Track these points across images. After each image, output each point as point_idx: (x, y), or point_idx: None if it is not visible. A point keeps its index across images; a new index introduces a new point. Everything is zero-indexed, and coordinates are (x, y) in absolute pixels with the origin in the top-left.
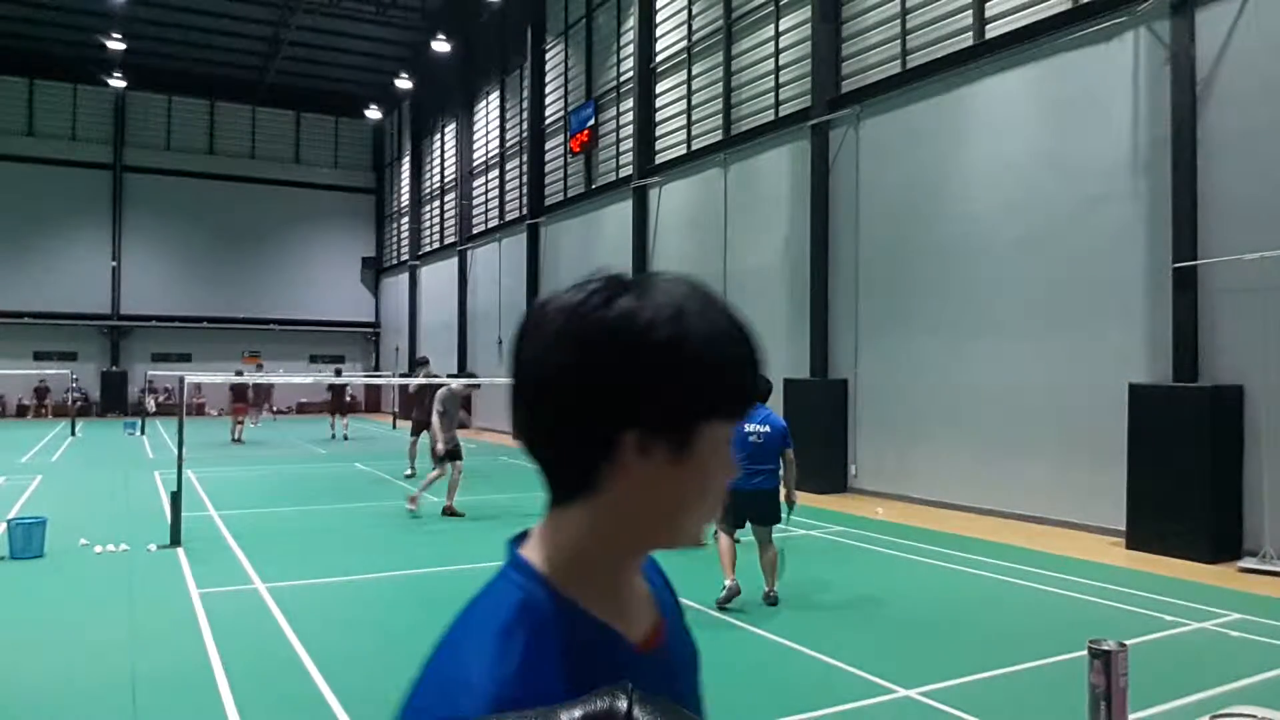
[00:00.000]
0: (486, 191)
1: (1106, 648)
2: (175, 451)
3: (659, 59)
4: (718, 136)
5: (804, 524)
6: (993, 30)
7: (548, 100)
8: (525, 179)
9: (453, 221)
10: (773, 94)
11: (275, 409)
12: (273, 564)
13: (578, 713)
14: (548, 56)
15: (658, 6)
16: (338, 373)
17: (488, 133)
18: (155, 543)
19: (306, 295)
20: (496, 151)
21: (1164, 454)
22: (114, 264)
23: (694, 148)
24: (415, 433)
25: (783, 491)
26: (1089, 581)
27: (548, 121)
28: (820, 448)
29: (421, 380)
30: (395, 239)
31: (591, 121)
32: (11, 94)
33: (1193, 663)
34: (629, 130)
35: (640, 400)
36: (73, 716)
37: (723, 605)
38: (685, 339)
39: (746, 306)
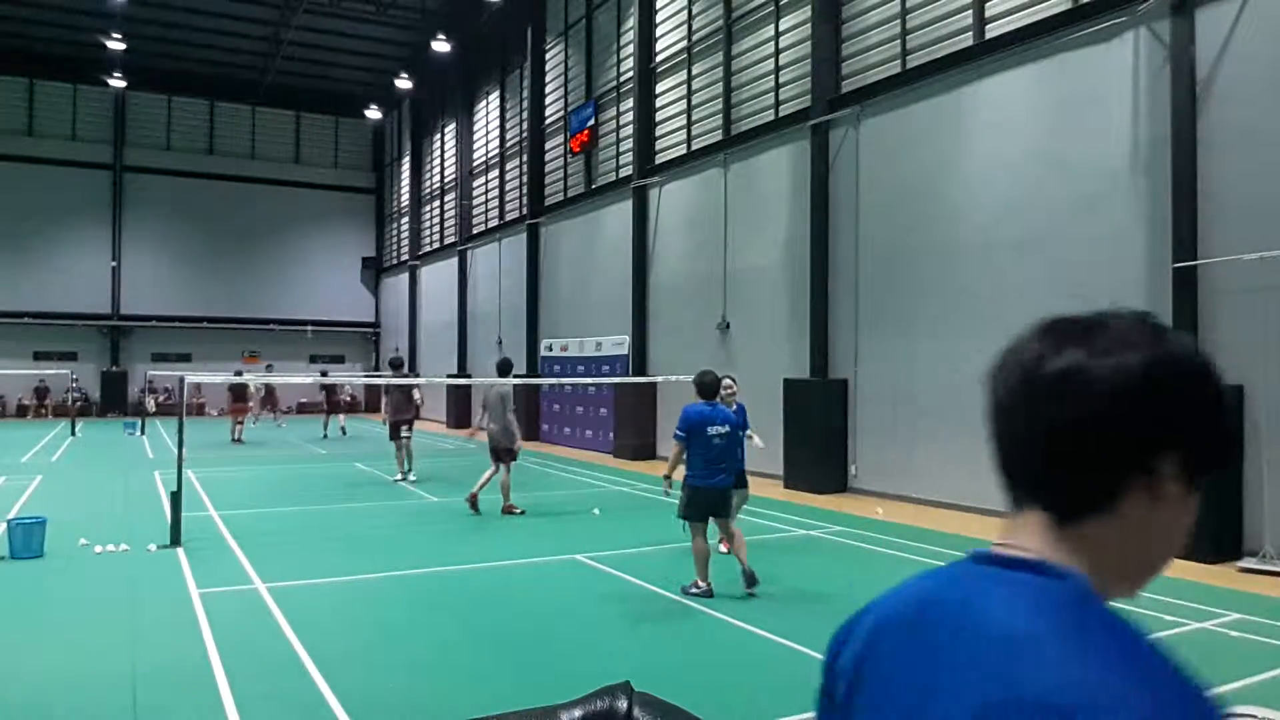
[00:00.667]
0: (486, 191)
1: None
2: (175, 451)
3: (659, 59)
4: (718, 136)
5: (804, 524)
6: (993, 30)
7: (548, 100)
8: (525, 179)
9: (453, 221)
10: (773, 94)
11: (279, 410)
12: (273, 564)
13: (578, 713)
14: (548, 56)
15: (658, 6)
16: (323, 374)
17: (488, 133)
18: (155, 543)
19: (306, 295)
20: (496, 151)
21: None
22: (114, 264)
23: (694, 148)
24: (395, 435)
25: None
26: None
27: (548, 121)
28: (820, 448)
29: (400, 381)
30: (395, 239)
31: (591, 121)
32: (11, 94)
33: (1193, 663)
34: (629, 130)
35: (1186, 437)
36: (73, 716)
37: (698, 596)
38: (1220, 388)
39: (746, 306)
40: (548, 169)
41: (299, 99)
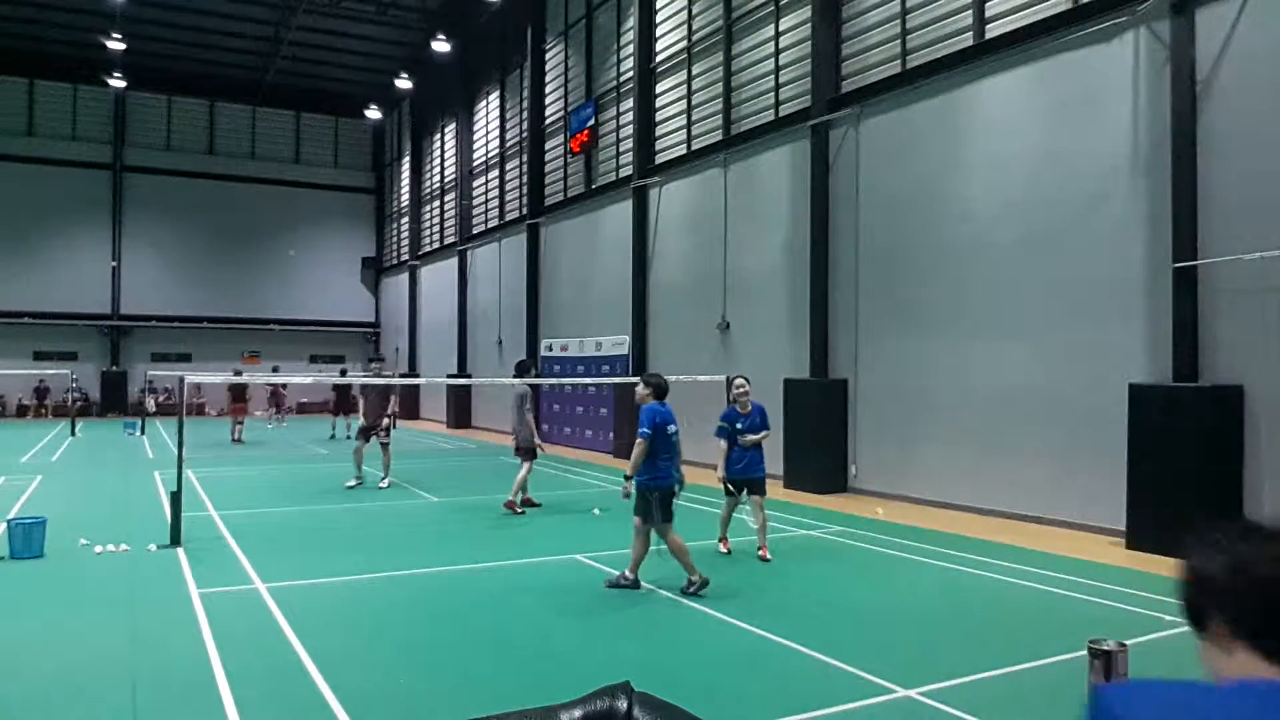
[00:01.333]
0: (486, 191)
1: (1106, 648)
2: (175, 451)
3: (659, 59)
4: (718, 136)
5: (804, 524)
6: (993, 30)
7: (548, 100)
8: (525, 179)
9: (453, 221)
10: (773, 94)
11: (283, 410)
12: (273, 564)
13: (578, 713)
14: (548, 56)
15: (658, 6)
16: (343, 373)
17: (488, 133)
18: (155, 543)
19: (306, 295)
20: (496, 151)
21: (1164, 454)
22: (114, 264)
23: (694, 148)
24: (365, 436)
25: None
26: (1089, 581)
27: (548, 121)
28: (820, 448)
29: (374, 380)
30: (395, 239)
31: (591, 121)
32: (11, 94)
33: (1193, 663)
34: (629, 130)
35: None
36: (73, 716)
37: (697, 593)
38: None
39: (746, 306)
40: (548, 169)
41: (299, 99)
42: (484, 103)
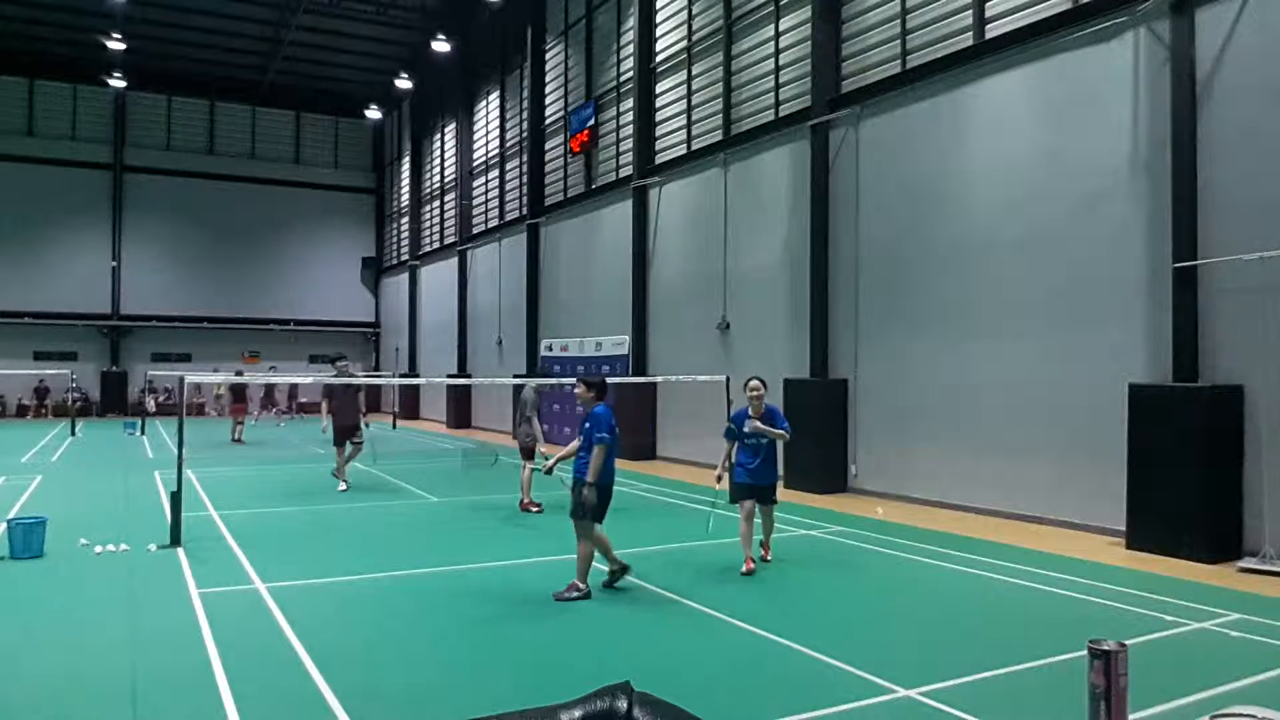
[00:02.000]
0: (486, 191)
1: (1106, 648)
2: (175, 451)
3: (659, 59)
4: (718, 136)
5: (804, 524)
6: (993, 30)
7: (548, 100)
8: (525, 179)
9: (453, 221)
10: (773, 94)
11: (279, 410)
12: (273, 564)
13: (578, 713)
14: (548, 56)
15: (658, 6)
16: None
17: (488, 133)
18: (155, 543)
19: (306, 295)
20: (496, 151)
21: (1164, 454)
22: (114, 264)
23: (694, 148)
24: (341, 441)
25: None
26: (1089, 581)
27: (548, 121)
28: (820, 448)
29: (344, 380)
30: (395, 239)
31: (591, 121)
32: (11, 94)
33: (1193, 663)
34: (629, 130)
35: None
36: (73, 716)
37: (614, 583)
38: None
39: (746, 306)
40: (548, 169)
41: (299, 99)
42: (484, 103)
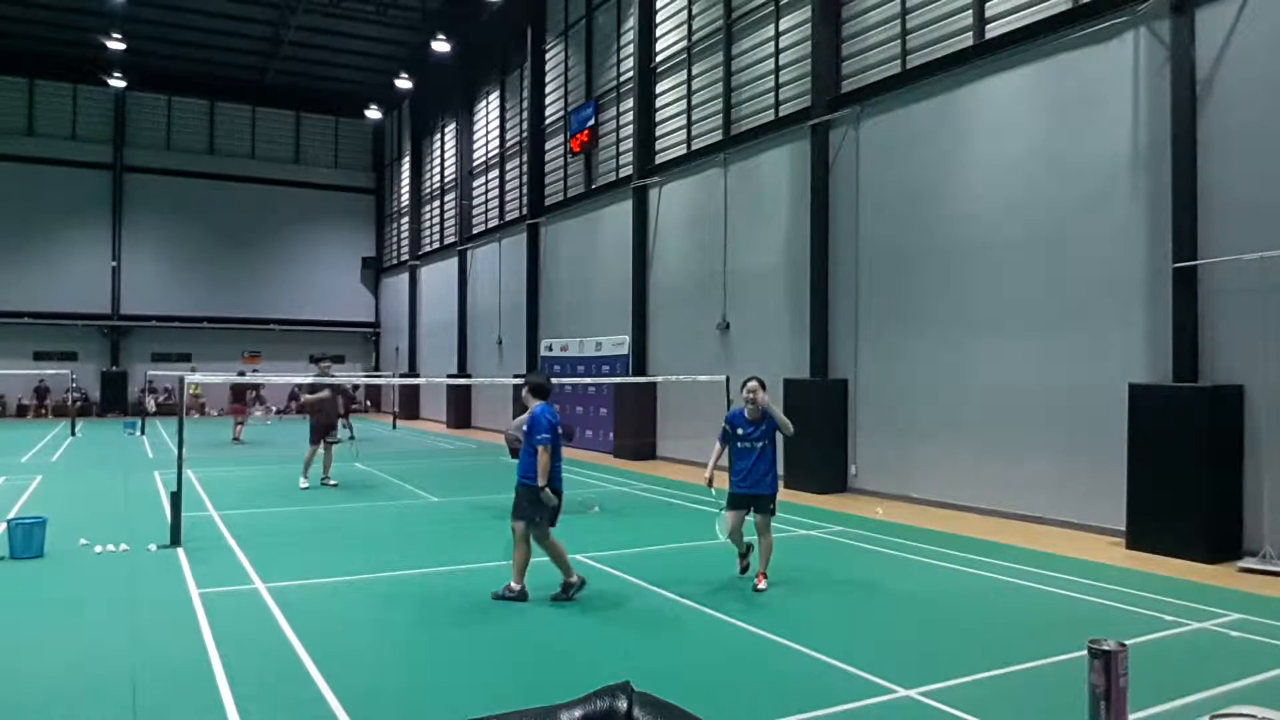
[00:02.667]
0: (486, 191)
1: (1106, 648)
2: (175, 451)
3: (659, 59)
4: (718, 136)
5: (804, 524)
6: (993, 30)
7: (548, 100)
8: (525, 179)
9: (453, 221)
10: (773, 94)
11: (276, 409)
12: (273, 564)
13: (578, 713)
14: (548, 56)
15: (658, 6)
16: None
17: (488, 133)
18: (155, 543)
19: (306, 295)
20: (496, 151)
21: (1164, 454)
22: (114, 264)
23: (694, 148)
24: (316, 439)
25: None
26: (1089, 581)
27: (548, 121)
28: (820, 448)
29: (327, 381)
30: (395, 239)
31: (591, 121)
32: (11, 94)
33: (1193, 663)
34: (629, 130)
35: None
36: (73, 716)
37: (573, 596)
38: None
39: (746, 306)
40: (548, 169)
41: (299, 99)
42: (484, 103)
